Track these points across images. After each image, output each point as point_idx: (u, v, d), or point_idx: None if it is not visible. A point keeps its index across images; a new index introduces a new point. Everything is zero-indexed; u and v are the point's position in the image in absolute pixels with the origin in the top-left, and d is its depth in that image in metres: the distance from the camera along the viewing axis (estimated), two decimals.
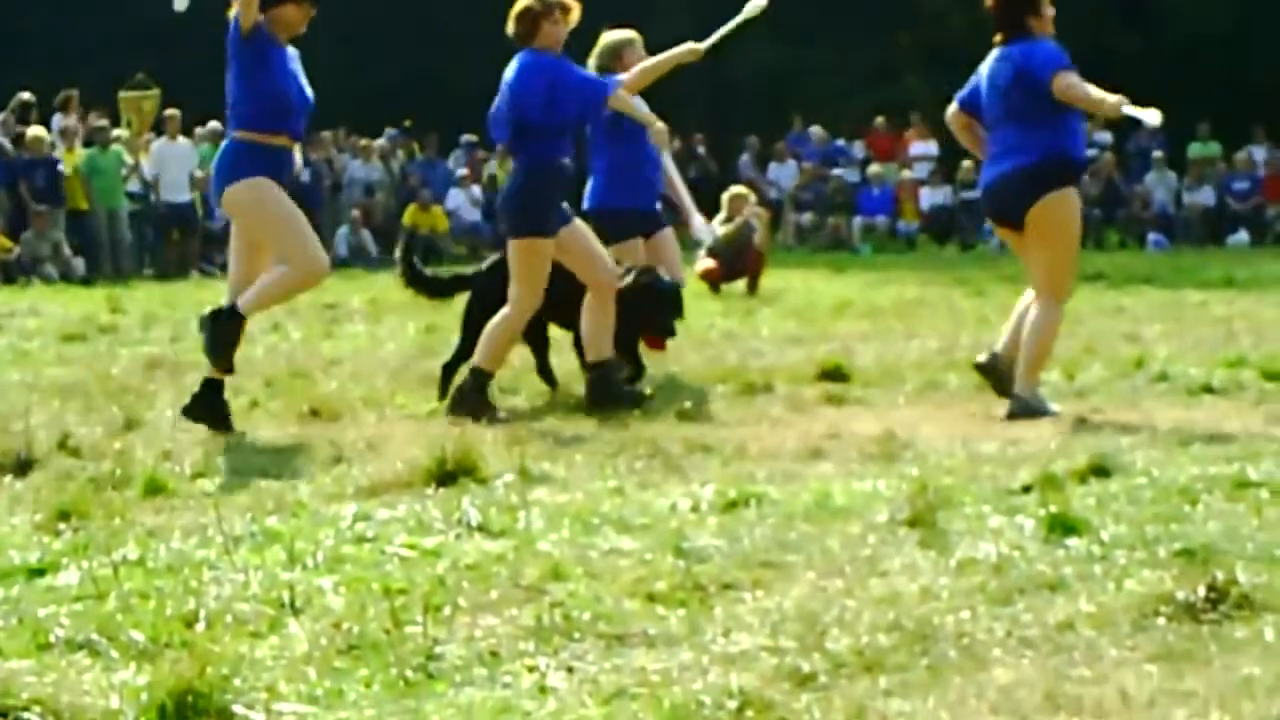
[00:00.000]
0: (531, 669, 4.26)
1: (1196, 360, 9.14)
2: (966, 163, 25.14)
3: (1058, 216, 8.51)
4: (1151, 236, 25.88)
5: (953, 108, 9.03)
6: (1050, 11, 8.66)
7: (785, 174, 29.55)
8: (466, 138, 28.50)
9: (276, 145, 8.47)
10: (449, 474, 6.66)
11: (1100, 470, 6.56)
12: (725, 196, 18.42)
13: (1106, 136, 27.62)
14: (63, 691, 4.01)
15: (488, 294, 9.13)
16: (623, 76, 9.32)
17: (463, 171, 27.80)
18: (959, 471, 6.77)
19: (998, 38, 8.68)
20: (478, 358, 8.84)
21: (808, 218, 28.43)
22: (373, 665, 4.29)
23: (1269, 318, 12.35)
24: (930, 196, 28.07)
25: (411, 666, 4.27)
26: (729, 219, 17.59)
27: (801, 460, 7.22)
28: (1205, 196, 27.28)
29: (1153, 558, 5.12)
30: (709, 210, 14.79)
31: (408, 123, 28.39)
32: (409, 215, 26.35)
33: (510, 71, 8.94)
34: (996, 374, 8.62)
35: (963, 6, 24.97)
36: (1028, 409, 8.33)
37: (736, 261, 17.27)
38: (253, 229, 8.55)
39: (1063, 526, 5.50)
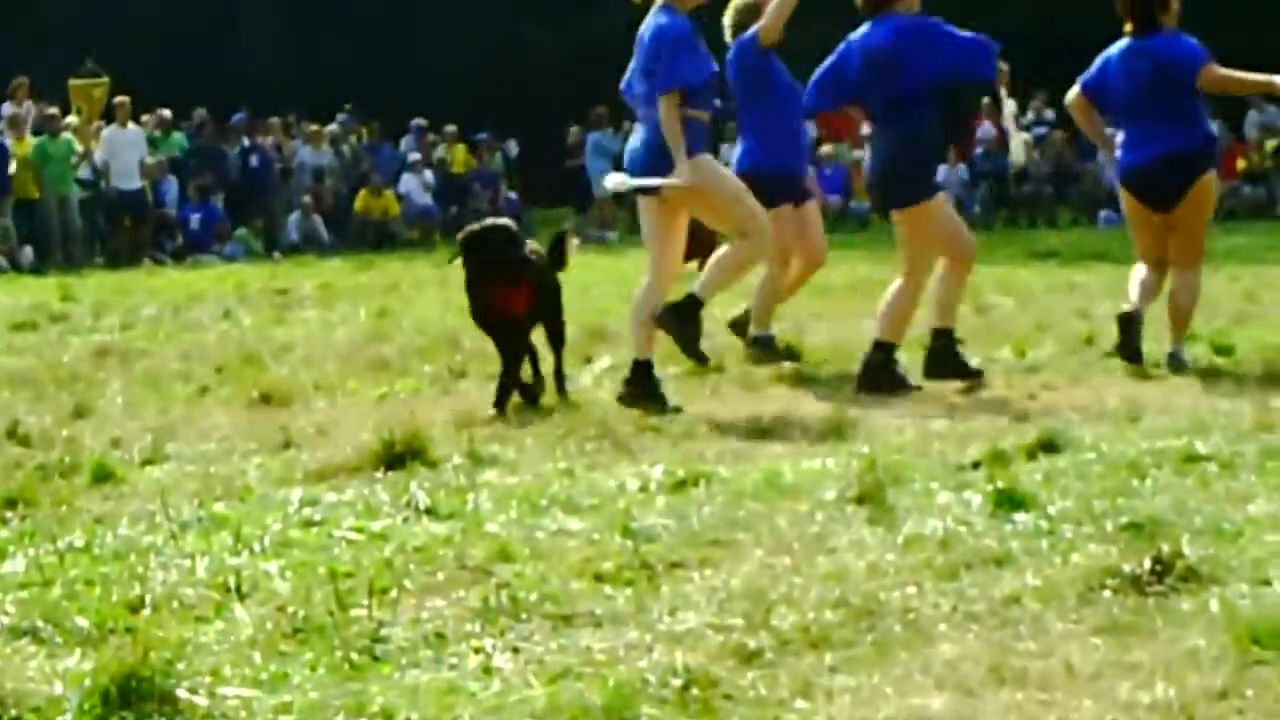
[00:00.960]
0: (477, 650, 4.25)
1: (1147, 336, 9.16)
2: None
3: (1207, 195, 9.39)
4: (1103, 213, 25.90)
5: (1075, 92, 9.60)
6: (1177, 5, 9.30)
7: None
8: (417, 122, 28.38)
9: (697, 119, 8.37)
10: (397, 457, 6.64)
11: (1049, 446, 6.57)
12: None
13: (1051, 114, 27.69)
14: (6, 678, 3.98)
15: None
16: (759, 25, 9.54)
17: (414, 156, 27.69)
18: (908, 449, 6.78)
19: (1129, 29, 9.28)
20: (884, 333, 8.72)
21: None
22: (318, 649, 4.28)
23: (1219, 292, 12.37)
24: None
25: (357, 649, 4.25)
26: None
27: (752, 439, 7.22)
28: None
29: (1099, 531, 5.13)
30: None
31: (348, 106, 28.30)
32: (360, 201, 26.27)
33: (879, 39, 8.77)
34: (1133, 332, 9.10)
35: None
36: (1183, 364, 9.02)
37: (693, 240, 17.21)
38: (703, 207, 8.49)
39: (1010, 502, 5.51)
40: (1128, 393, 8.20)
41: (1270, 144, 27.47)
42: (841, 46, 9.00)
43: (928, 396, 8.39)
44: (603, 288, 14.19)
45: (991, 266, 15.94)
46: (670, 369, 9.13)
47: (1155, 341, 9.45)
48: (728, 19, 9.91)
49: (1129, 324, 9.10)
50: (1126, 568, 4.53)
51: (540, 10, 34.09)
